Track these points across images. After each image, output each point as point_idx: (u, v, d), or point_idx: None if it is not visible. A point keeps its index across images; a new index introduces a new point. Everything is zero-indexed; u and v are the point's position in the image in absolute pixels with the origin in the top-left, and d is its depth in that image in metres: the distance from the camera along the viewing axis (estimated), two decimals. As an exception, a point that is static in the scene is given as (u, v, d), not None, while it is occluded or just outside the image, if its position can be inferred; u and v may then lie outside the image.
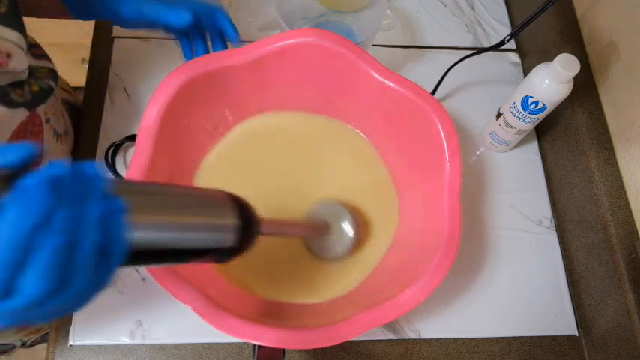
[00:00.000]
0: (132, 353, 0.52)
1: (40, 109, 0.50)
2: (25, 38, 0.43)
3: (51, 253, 0.22)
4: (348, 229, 0.51)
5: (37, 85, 0.47)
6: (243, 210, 0.33)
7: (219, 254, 0.32)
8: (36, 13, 0.50)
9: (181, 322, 0.53)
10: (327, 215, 0.52)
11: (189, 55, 0.53)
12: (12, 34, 0.41)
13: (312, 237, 0.53)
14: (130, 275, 0.55)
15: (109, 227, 0.24)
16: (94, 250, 0.23)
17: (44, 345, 0.53)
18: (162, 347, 0.52)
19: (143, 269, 0.54)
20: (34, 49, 0.51)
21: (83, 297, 0.24)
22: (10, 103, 0.42)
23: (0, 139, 0.43)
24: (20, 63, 0.43)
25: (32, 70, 0.48)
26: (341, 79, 0.53)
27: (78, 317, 0.52)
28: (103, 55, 0.65)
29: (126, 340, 0.52)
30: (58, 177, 0.22)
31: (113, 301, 0.53)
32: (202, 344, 0.53)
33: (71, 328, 0.52)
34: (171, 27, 0.49)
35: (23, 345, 0.74)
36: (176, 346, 0.53)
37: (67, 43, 1.11)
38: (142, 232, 0.25)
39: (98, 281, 0.24)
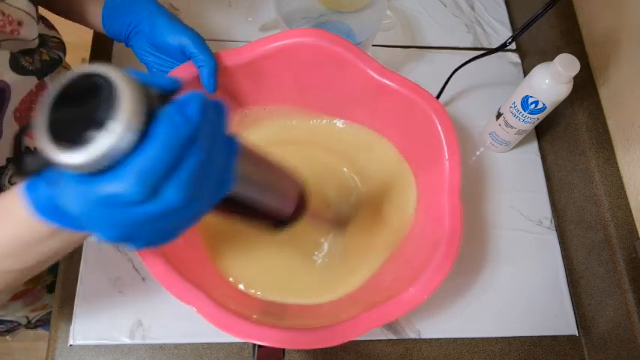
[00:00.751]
0: (132, 353, 0.52)
1: (49, 80, 0.52)
2: (35, 8, 0.44)
3: (195, 166, 0.24)
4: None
5: (47, 54, 0.48)
6: (303, 191, 0.38)
7: (279, 220, 0.36)
8: (65, 15, 0.53)
9: (181, 322, 0.53)
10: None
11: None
12: (22, 3, 0.42)
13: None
14: (130, 275, 0.55)
15: (229, 158, 0.27)
16: (219, 172, 0.26)
17: (44, 345, 0.53)
18: (162, 347, 0.52)
19: (144, 269, 0.54)
20: (44, 20, 0.52)
21: (198, 215, 0.26)
22: (21, 70, 0.44)
23: (9, 105, 0.44)
24: (31, 31, 0.44)
25: (44, 39, 0.50)
26: (339, 78, 0.53)
27: (78, 317, 0.52)
28: (103, 55, 0.65)
29: (126, 340, 0.52)
30: (206, 100, 0.25)
31: (113, 301, 0.53)
32: (202, 344, 0.53)
33: (71, 328, 0.52)
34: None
35: (28, 323, 0.74)
36: (176, 346, 0.53)
37: (67, 43, 1.11)
38: (239, 180, 0.28)
39: (211, 203, 0.27)
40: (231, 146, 0.27)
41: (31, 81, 0.46)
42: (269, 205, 0.34)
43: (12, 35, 0.41)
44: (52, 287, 0.69)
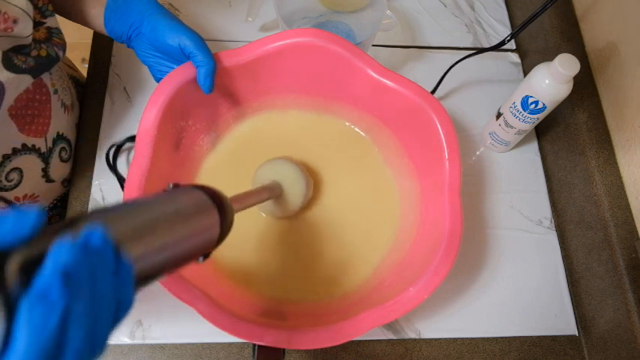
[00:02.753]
0: (132, 353, 0.52)
1: (47, 79, 0.52)
2: (32, 5, 0.44)
3: (79, 343, 0.21)
4: (298, 182, 0.51)
5: (46, 50, 0.48)
6: (218, 201, 0.33)
7: (208, 248, 0.33)
8: (67, 16, 0.53)
9: (181, 322, 0.53)
10: (276, 175, 0.52)
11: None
12: (21, 1, 0.42)
13: (268, 200, 0.51)
14: (130, 275, 0.54)
15: (122, 290, 0.23)
16: (111, 316, 0.23)
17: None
18: (162, 347, 0.52)
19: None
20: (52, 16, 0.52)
21: (103, 348, 0.23)
22: (14, 68, 0.44)
23: (4, 103, 0.44)
24: (25, 29, 0.44)
25: (52, 32, 0.50)
26: (338, 78, 0.53)
27: (78, 317, 0.52)
28: (103, 55, 0.65)
29: (126, 340, 0.52)
30: (68, 266, 0.20)
31: (113, 301, 0.53)
32: (202, 344, 0.53)
33: (71, 328, 0.52)
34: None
35: None
36: (176, 346, 0.52)
37: (67, 43, 1.11)
38: (140, 263, 0.25)
39: (114, 327, 0.24)
40: (125, 276, 0.23)
41: (26, 79, 0.46)
42: (191, 249, 0.30)
43: (5, 32, 0.42)
44: None
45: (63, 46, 0.52)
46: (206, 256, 0.33)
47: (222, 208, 0.33)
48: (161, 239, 0.27)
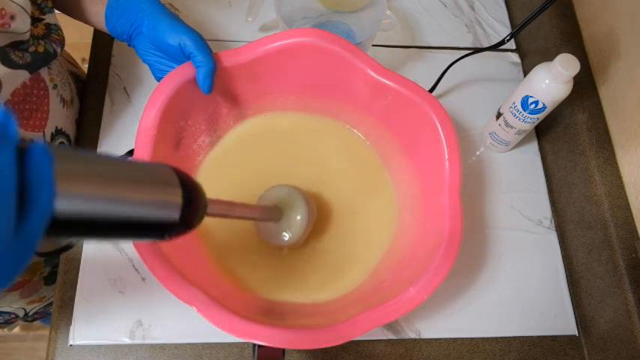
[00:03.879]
0: (132, 353, 0.52)
1: (45, 74, 0.52)
2: (30, 1, 0.44)
3: None
4: (299, 215, 0.49)
5: (44, 46, 0.49)
6: (188, 188, 0.31)
7: (160, 232, 0.30)
8: (68, 12, 0.53)
9: (181, 322, 0.53)
10: (280, 200, 0.50)
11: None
12: None
13: (262, 221, 0.50)
14: (130, 275, 0.55)
15: (32, 179, 0.21)
16: (8, 203, 0.20)
17: (44, 345, 0.53)
18: (162, 347, 0.52)
19: (144, 269, 0.54)
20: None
21: (2, 266, 0.21)
22: (11, 64, 0.44)
23: (0, 98, 0.45)
24: (23, 25, 0.44)
25: (50, 28, 0.50)
26: (338, 78, 0.53)
27: (78, 317, 0.52)
28: (103, 55, 0.65)
29: (126, 340, 0.52)
30: None
31: (113, 301, 0.53)
32: (202, 344, 0.53)
33: (71, 328, 0.52)
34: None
35: (26, 316, 0.74)
36: (176, 346, 0.53)
37: (67, 43, 1.11)
38: (70, 200, 0.23)
39: (19, 249, 0.21)
40: (38, 159, 0.21)
41: (22, 74, 0.46)
42: (134, 219, 0.28)
43: (2, 28, 0.42)
44: (49, 279, 0.69)
45: (61, 42, 0.52)
46: (162, 237, 0.31)
47: (189, 194, 0.31)
48: (100, 189, 0.25)
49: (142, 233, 0.29)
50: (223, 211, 0.39)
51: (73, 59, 0.72)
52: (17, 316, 0.72)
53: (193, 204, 0.32)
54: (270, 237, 0.50)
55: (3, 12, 0.41)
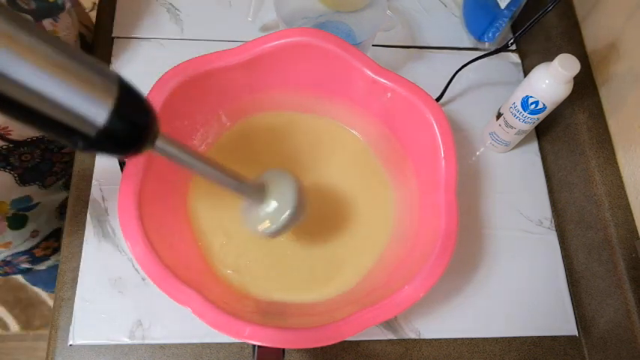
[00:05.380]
0: (132, 353, 0.52)
1: (48, 24, 0.52)
2: None
3: None
4: (287, 208, 0.43)
5: None
6: (129, 98, 0.28)
7: (82, 135, 0.26)
8: None
9: (181, 322, 0.53)
10: (271, 183, 0.44)
11: None
12: None
13: (236, 193, 0.43)
14: (130, 275, 0.55)
15: None
16: None
17: (44, 345, 0.53)
18: (162, 347, 0.52)
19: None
20: None
21: None
22: (15, 7, 0.44)
23: None
24: None
25: None
26: (335, 77, 0.53)
27: (78, 317, 0.52)
28: (103, 55, 0.65)
29: (126, 340, 0.52)
30: None
31: (113, 301, 0.53)
32: (202, 344, 0.53)
33: (71, 328, 0.52)
34: None
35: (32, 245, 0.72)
36: (176, 346, 0.53)
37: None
38: None
39: None
40: None
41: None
42: (39, 114, 0.24)
43: None
44: (14, 222, 0.66)
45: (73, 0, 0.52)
46: (75, 144, 0.27)
47: (127, 103, 0.28)
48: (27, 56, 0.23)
49: (61, 124, 0.26)
50: (179, 155, 0.35)
51: (90, 22, 0.71)
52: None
53: (128, 117, 0.28)
54: (248, 221, 0.45)
55: None
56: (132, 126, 0.28)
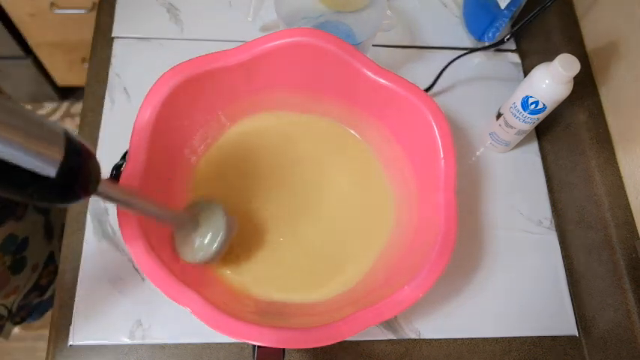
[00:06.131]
0: (132, 353, 0.52)
1: None
2: None
3: None
4: (214, 241, 0.46)
5: None
6: (75, 152, 0.30)
7: (37, 185, 0.29)
8: None
9: (181, 322, 0.53)
10: (204, 215, 0.47)
11: None
12: None
13: (172, 226, 0.47)
14: (130, 275, 0.55)
15: None
16: None
17: (44, 345, 0.53)
18: (162, 347, 0.52)
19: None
20: None
21: None
22: None
23: None
24: None
25: None
26: (334, 78, 0.53)
27: (78, 317, 0.52)
28: (103, 55, 0.65)
29: (126, 340, 0.52)
30: None
31: (113, 301, 0.53)
32: (202, 344, 0.53)
33: (71, 328, 0.52)
34: None
35: (11, 314, 0.72)
36: (176, 346, 0.53)
37: (67, 43, 1.11)
38: None
39: None
40: None
41: None
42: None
43: None
44: (14, 267, 0.68)
45: None
46: (41, 191, 0.30)
47: (75, 158, 0.30)
48: None
49: (15, 178, 0.28)
50: (118, 197, 0.37)
51: None
52: (3, 316, 0.72)
53: (77, 169, 0.31)
54: (179, 248, 0.47)
55: None
56: (78, 178, 0.31)
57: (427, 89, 0.64)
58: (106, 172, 0.58)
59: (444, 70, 0.63)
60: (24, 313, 0.77)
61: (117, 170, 0.54)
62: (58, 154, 0.30)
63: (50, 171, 0.29)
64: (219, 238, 0.46)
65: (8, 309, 0.72)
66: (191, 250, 0.47)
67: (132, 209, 0.40)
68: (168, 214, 0.44)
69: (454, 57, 0.63)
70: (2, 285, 0.68)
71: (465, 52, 0.62)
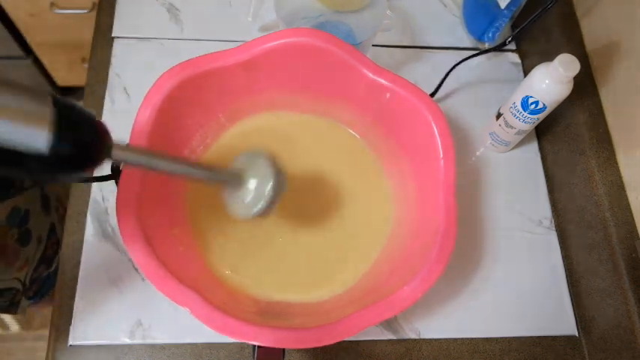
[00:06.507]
0: (132, 353, 0.52)
1: None
2: None
3: None
4: (267, 185, 0.43)
5: None
6: (66, 112, 0.27)
7: (28, 161, 0.26)
8: None
9: (181, 322, 0.53)
10: (244, 164, 0.44)
11: None
12: None
13: (210, 183, 0.44)
14: (130, 275, 0.55)
15: None
16: None
17: (44, 345, 0.53)
18: (162, 347, 0.52)
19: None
20: None
21: None
22: None
23: None
24: None
25: None
26: (334, 78, 0.53)
27: (78, 317, 0.52)
28: (103, 55, 0.65)
29: (126, 340, 0.52)
30: None
31: (113, 301, 0.53)
32: (202, 344, 0.53)
33: (71, 328, 0.52)
34: None
35: (25, 288, 0.73)
36: (176, 346, 0.53)
37: (67, 43, 1.11)
38: None
39: None
40: None
41: None
42: None
43: None
44: (23, 239, 0.69)
45: None
46: (30, 174, 0.28)
47: (67, 125, 0.27)
48: None
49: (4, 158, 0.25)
50: (139, 160, 0.34)
51: None
52: (18, 290, 0.72)
53: (73, 135, 0.27)
54: (235, 209, 0.45)
55: None
56: (77, 145, 0.28)
57: (432, 94, 0.64)
58: (105, 172, 0.58)
59: (447, 75, 0.63)
60: (36, 287, 0.78)
61: (116, 170, 0.54)
62: (44, 124, 0.26)
63: (41, 146, 0.26)
64: (269, 187, 0.42)
65: (22, 282, 0.73)
66: (244, 206, 0.43)
67: (160, 172, 0.36)
68: (205, 172, 0.40)
69: (454, 57, 0.63)
70: (14, 258, 0.68)
71: (468, 56, 0.62)
